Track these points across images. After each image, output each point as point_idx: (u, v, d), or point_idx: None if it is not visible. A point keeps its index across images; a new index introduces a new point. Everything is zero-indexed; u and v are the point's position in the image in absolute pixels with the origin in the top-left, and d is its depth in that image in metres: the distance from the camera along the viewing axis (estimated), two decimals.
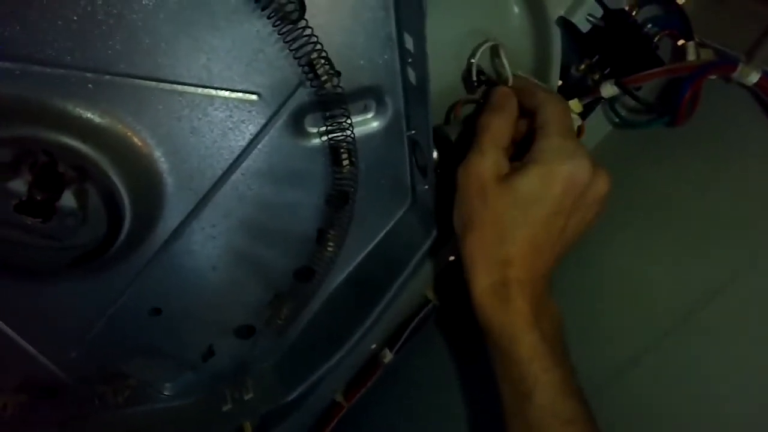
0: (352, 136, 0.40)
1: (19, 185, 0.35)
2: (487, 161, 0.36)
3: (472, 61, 0.41)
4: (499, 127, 0.38)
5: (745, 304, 0.37)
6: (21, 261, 0.39)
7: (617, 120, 0.44)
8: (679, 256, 0.40)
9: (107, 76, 0.34)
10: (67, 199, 0.37)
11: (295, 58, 0.36)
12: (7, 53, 0.32)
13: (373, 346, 0.54)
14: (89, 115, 0.34)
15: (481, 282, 0.37)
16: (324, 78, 0.37)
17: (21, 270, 0.40)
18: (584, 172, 0.35)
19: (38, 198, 0.36)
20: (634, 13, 0.38)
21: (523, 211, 0.36)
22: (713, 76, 0.38)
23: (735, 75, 0.36)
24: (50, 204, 0.36)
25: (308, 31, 0.35)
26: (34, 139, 0.34)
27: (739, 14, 0.42)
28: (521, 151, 0.37)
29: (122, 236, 0.39)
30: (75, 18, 0.32)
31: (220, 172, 0.40)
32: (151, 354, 0.49)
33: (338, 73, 0.37)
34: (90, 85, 0.34)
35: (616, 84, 0.39)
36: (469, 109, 0.42)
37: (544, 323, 0.37)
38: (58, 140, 0.34)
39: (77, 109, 0.34)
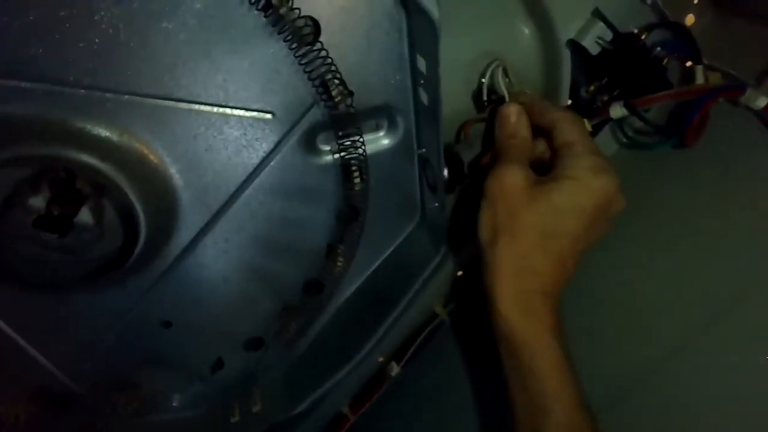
0: (364, 154, 0.41)
1: (38, 201, 0.36)
2: (519, 172, 0.37)
3: (483, 80, 0.42)
4: (523, 141, 0.38)
5: (751, 324, 0.37)
6: (37, 274, 0.39)
7: (625, 140, 0.44)
8: (683, 276, 0.41)
9: (126, 96, 0.34)
10: (84, 215, 0.37)
11: (310, 78, 0.37)
12: (31, 74, 0.33)
13: (381, 359, 0.55)
14: (108, 134, 0.35)
15: (507, 290, 0.37)
16: (338, 98, 0.38)
17: (36, 283, 0.40)
18: (614, 187, 0.36)
19: (56, 213, 0.36)
20: (643, 37, 0.39)
21: (558, 223, 0.36)
22: (721, 99, 0.39)
23: (743, 99, 0.37)
24: (68, 219, 0.37)
25: (323, 53, 0.36)
26: (55, 157, 0.34)
27: (745, 38, 0.43)
28: (535, 168, 0.38)
29: (137, 250, 0.39)
30: (97, 40, 0.32)
31: (233, 188, 0.40)
32: (161, 365, 0.49)
33: (351, 93, 0.38)
34: (109, 105, 0.34)
35: (626, 106, 0.39)
36: (478, 128, 0.43)
37: (563, 335, 0.37)
38: (78, 159, 0.35)
39: (97, 129, 0.35)
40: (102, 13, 0.31)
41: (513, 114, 0.39)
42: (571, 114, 0.38)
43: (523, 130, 0.39)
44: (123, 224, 0.39)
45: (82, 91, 0.33)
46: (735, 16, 0.43)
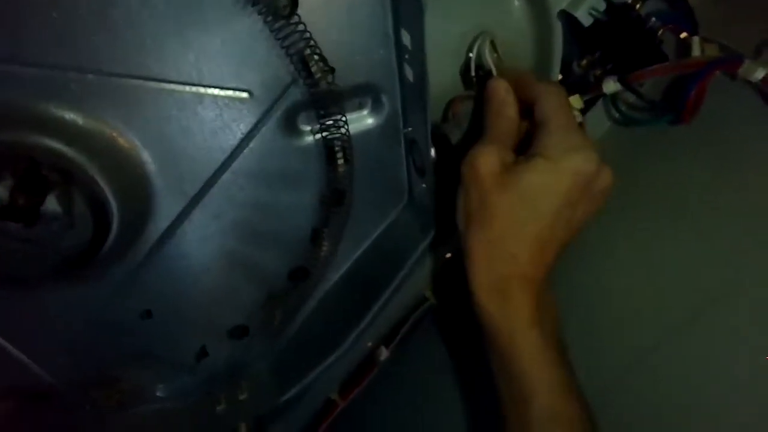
0: (347, 134, 0.39)
1: (0, 191, 0.33)
2: (491, 155, 0.35)
3: (470, 55, 0.40)
4: (503, 121, 0.37)
5: (751, 305, 0.36)
6: (6, 267, 0.37)
7: (618, 116, 0.43)
8: (681, 257, 0.40)
9: (91, 76, 0.32)
10: (51, 203, 0.35)
11: (288, 55, 0.35)
12: None
13: (369, 344, 0.54)
14: (73, 116, 0.33)
15: (483, 278, 0.36)
16: (318, 75, 0.36)
17: (7, 276, 0.38)
18: (591, 164, 0.34)
19: (21, 202, 0.34)
20: (637, 7, 0.37)
21: (530, 206, 0.34)
22: (718, 73, 0.37)
23: (741, 71, 0.35)
24: (34, 209, 0.34)
25: (301, 27, 0.34)
26: (16, 143, 0.32)
27: (741, 8, 0.41)
28: (524, 145, 0.36)
29: (110, 240, 0.37)
30: (56, 15, 0.30)
31: (210, 173, 0.39)
32: (143, 356, 0.48)
33: (332, 70, 0.36)
34: (73, 86, 0.32)
35: (619, 80, 0.38)
36: (466, 106, 0.41)
37: (545, 321, 0.36)
38: (42, 144, 0.33)
39: (61, 111, 0.33)
40: None
41: (501, 89, 0.37)
42: (553, 87, 0.36)
43: (509, 109, 0.37)
44: (94, 213, 0.36)
45: (44, 70, 0.31)
46: None
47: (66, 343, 0.44)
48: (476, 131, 0.40)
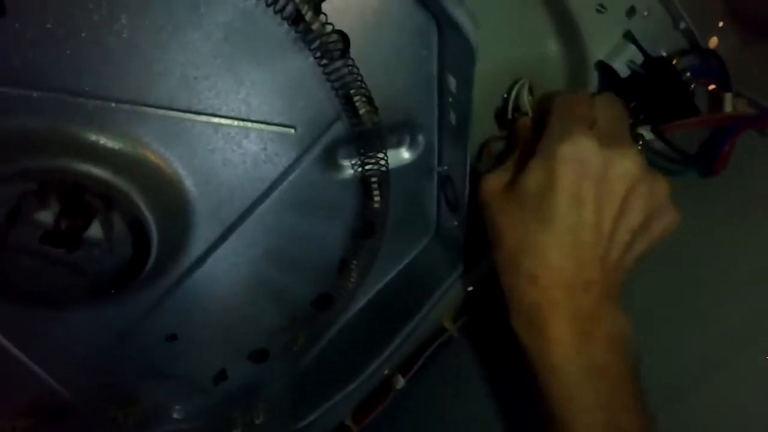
0: (387, 170, 0.40)
1: (45, 216, 0.34)
2: (492, 178, 0.36)
3: (506, 96, 0.41)
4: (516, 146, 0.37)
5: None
6: (39, 289, 0.37)
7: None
8: (700, 306, 0.41)
9: (143, 108, 0.33)
10: (95, 229, 0.36)
11: (335, 91, 0.35)
12: (42, 83, 0.30)
13: (386, 371, 0.54)
14: (122, 147, 0.33)
15: (512, 305, 0.34)
16: (363, 114, 0.36)
17: (38, 298, 0.38)
18: (588, 150, 0.30)
19: (64, 227, 0.34)
20: (674, 62, 0.38)
21: (533, 212, 0.31)
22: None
23: None
24: (77, 234, 0.35)
25: (350, 67, 0.34)
26: (65, 170, 0.32)
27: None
28: None
29: (149, 264, 0.38)
30: (114, 48, 0.30)
31: (249, 203, 0.39)
32: (162, 377, 0.48)
33: (377, 110, 0.37)
34: (125, 117, 0.33)
35: (653, 130, 0.39)
36: (500, 146, 0.42)
37: (594, 348, 0.32)
38: (91, 172, 0.33)
39: (111, 141, 0.33)
40: (123, 21, 0.30)
41: (524, 123, 0.38)
42: (565, 91, 0.36)
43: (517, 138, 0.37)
44: (134, 238, 0.37)
45: (97, 102, 0.32)
46: (761, 39, 0.43)
47: (88, 363, 0.44)
48: None
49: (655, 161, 0.40)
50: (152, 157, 0.35)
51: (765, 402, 0.36)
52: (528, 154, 0.34)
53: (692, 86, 0.39)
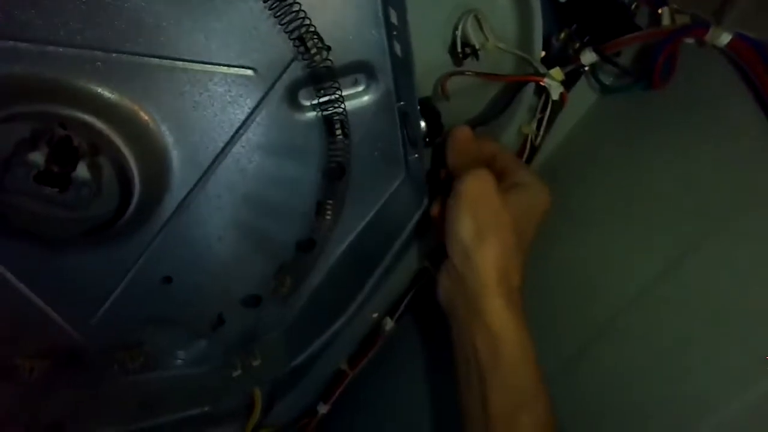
0: (344, 108, 0.43)
1: (37, 157, 0.38)
2: (489, 177, 0.40)
3: (456, 32, 0.44)
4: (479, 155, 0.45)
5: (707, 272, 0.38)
6: (40, 230, 0.42)
7: (598, 87, 0.45)
8: (654, 211, 0.42)
9: (114, 55, 0.37)
10: (82, 172, 0.40)
11: (286, 33, 0.39)
12: (25, 36, 0.35)
13: (375, 315, 0.57)
14: (100, 91, 0.38)
15: (500, 290, 0.39)
16: (314, 52, 0.39)
17: (41, 238, 0.43)
18: (549, 194, 0.43)
19: (55, 170, 0.39)
20: None
21: (528, 222, 0.42)
22: (690, 40, 0.39)
23: (708, 38, 0.38)
24: (66, 175, 0.39)
25: (297, 8, 0.38)
26: (50, 113, 0.37)
27: None
28: None
29: (132, 207, 0.42)
30: (84, 3, 0.35)
31: (221, 145, 0.43)
32: (163, 323, 0.52)
33: (328, 48, 0.40)
34: (99, 64, 0.37)
35: (595, 51, 0.40)
36: (455, 83, 0.45)
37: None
38: (73, 115, 0.37)
39: (89, 86, 0.37)
40: None
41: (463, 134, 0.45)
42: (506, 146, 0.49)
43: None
44: (119, 181, 0.41)
45: (73, 50, 0.36)
46: None
47: (95, 306, 0.48)
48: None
49: (603, 81, 0.41)
50: (128, 102, 0.39)
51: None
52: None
53: (633, 6, 0.41)
